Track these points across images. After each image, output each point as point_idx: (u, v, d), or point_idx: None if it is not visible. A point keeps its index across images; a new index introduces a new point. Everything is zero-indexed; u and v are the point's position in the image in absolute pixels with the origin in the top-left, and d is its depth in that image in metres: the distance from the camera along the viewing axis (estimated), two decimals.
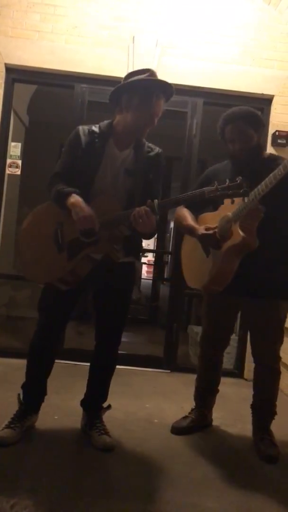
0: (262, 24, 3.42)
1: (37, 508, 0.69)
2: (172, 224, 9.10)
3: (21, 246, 2.10)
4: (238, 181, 1.72)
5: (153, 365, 3.48)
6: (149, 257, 9.73)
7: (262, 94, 3.41)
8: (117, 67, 3.29)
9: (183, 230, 2.27)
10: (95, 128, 2.03)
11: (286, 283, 2.14)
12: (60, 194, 1.91)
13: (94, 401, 2.17)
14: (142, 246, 2.17)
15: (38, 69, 3.34)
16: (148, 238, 2.05)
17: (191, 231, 2.16)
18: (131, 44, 3.33)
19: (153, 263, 7.40)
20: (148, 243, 10.95)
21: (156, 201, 1.79)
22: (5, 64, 3.31)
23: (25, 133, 4.66)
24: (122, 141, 2.02)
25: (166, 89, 1.96)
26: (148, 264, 9.85)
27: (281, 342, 2.20)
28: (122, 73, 3.62)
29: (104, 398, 2.17)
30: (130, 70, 3.31)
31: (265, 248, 1.98)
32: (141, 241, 2.13)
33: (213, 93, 3.41)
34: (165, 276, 6.86)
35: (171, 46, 3.37)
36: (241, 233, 1.92)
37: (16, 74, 3.39)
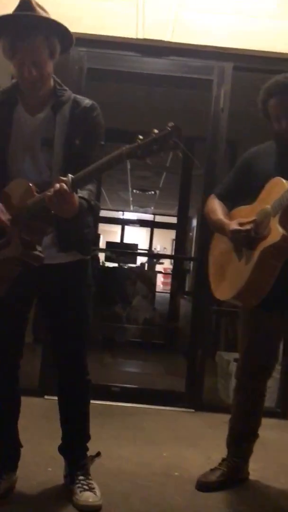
0: None
1: None
2: (194, 222, 9.12)
3: None
4: (170, 128, 1.52)
5: (172, 402, 3.47)
6: (166, 265, 9.77)
7: None
8: (123, 25, 3.31)
9: (212, 226, 2.32)
10: None
11: None
12: None
13: (71, 444, 2.16)
14: (87, 236, 2.02)
15: None
16: (74, 224, 1.84)
17: (221, 227, 2.18)
18: None
19: (170, 272, 7.43)
20: (164, 247, 10.90)
21: (69, 175, 1.67)
22: None
23: None
24: (31, 102, 1.93)
25: (40, 23, 1.79)
26: (165, 274, 9.88)
27: None
28: (130, 33, 3.63)
29: (83, 440, 2.15)
30: (140, 29, 3.36)
31: None
32: (85, 230, 1.99)
33: (245, 55, 3.42)
34: (186, 289, 6.88)
35: None
36: (281, 230, 1.93)
37: None
